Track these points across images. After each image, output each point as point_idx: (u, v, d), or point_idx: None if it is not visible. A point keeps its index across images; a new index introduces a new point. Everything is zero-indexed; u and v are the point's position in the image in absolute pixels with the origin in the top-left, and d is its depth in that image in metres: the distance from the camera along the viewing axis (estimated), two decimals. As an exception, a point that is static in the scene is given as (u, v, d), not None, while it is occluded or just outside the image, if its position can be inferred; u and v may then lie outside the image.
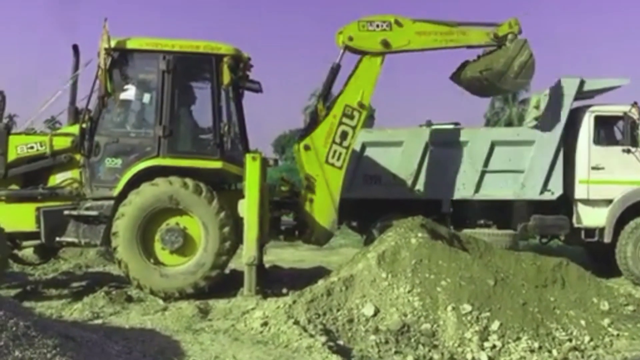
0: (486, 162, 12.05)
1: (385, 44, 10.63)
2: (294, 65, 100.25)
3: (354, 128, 10.58)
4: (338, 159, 10.50)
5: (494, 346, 7.14)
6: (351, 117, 10.56)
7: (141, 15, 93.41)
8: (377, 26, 10.60)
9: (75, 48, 10.41)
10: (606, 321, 8.06)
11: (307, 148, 10.54)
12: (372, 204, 12.19)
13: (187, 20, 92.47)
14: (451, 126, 13.34)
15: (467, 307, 7.50)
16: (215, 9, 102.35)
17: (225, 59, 9.74)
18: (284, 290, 9.57)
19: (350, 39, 10.62)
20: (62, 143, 9.98)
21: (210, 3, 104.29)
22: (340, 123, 10.54)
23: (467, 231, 11.21)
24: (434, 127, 12.90)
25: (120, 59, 9.81)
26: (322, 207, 10.42)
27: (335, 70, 10.89)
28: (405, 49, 10.82)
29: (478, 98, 13.40)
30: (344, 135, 10.54)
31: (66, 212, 9.69)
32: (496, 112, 46.67)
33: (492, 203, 12.23)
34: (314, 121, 11.00)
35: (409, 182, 12.26)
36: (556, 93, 12.14)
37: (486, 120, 44.68)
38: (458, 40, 10.95)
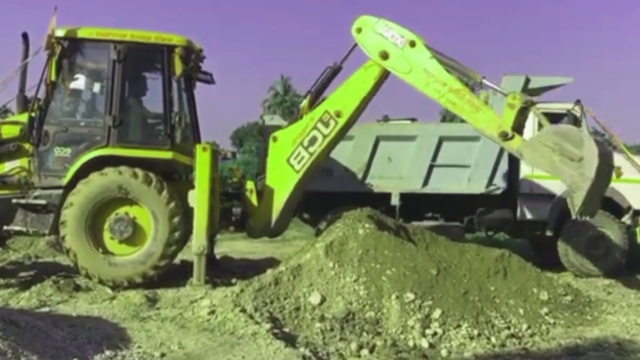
0: (434, 157, 12.29)
1: (384, 56, 9.44)
2: (253, 58, 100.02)
3: (325, 136, 9.94)
4: (299, 162, 10.04)
5: (435, 333, 7.37)
6: (326, 125, 9.92)
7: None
8: (392, 36, 9.37)
9: (25, 36, 10.29)
10: (544, 310, 8.37)
11: (274, 140, 10.30)
12: (324, 196, 12.32)
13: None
14: (408, 122, 13.57)
15: (410, 296, 7.71)
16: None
17: (176, 50, 9.78)
18: (234, 280, 9.61)
19: (359, 30, 9.61)
20: (10, 131, 9.87)
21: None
22: (314, 127, 9.96)
23: (415, 223, 11.43)
24: (390, 122, 13.09)
25: (71, 48, 9.75)
26: (266, 202, 10.27)
27: (334, 71, 10.25)
28: (400, 75, 9.45)
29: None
30: (313, 140, 9.98)
31: (14, 201, 9.61)
32: (452, 108, 47.05)
33: (440, 196, 12.46)
34: (296, 117, 10.71)
35: (360, 175, 12.44)
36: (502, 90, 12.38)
37: (442, 116, 45.19)
38: (461, 111, 9.06)
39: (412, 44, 9.24)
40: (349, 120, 10.01)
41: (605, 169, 8.14)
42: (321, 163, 10.52)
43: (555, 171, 7.81)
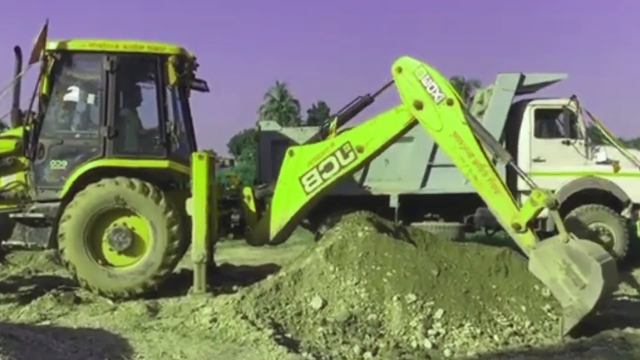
0: (432, 157, 12.28)
1: (418, 105, 8.99)
2: (250, 66, 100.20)
3: (341, 167, 9.62)
4: (311, 184, 9.76)
5: (438, 333, 7.34)
6: (345, 156, 9.57)
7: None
8: (431, 87, 8.90)
9: (18, 50, 10.28)
10: (547, 307, 8.29)
11: (291, 154, 10.02)
12: (323, 200, 12.24)
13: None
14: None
15: (412, 297, 7.69)
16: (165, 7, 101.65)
17: (170, 59, 9.79)
18: (234, 288, 9.59)
19: (399, 70, 9.14)
20: (6, 146, 9.86)
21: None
22: (333, 154, 9.62)
23: (415, 224, 11.42)
24: None
25: (63, 61, 9.75)
26: (269, 215, 10.16)
27: (365, 102, 9.96)
28: (429, 130, 9.08)
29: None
30: (329, 167, 9.64)
31: (12, 215, 9.60)
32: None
33: (439, 197, 12.46)
34: (318, 135, 10.32)
35: (358, 178, 12.42)
36: (498, 88, 12.45)
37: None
38: (480, 187, 8.65)
39: (450, 103, 8.81)
40: (370, 157, 9.79)
41: (612, 283, 8.05)
42: (332, 188, 10.18)
43: (556, 289, 7.65)
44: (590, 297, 7.37)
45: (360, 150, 9.56)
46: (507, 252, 9.05)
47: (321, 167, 9.70)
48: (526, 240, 8.25)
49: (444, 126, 8.84)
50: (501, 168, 12.07)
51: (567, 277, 7.56)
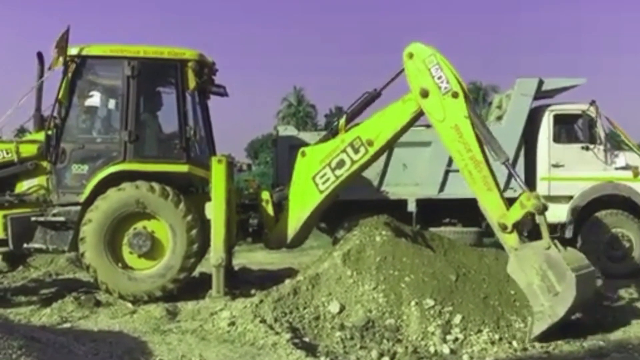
0: (450, 162, 12.21)
1: (424, 93, 8.99)
2: (266, 70, 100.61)
3: (353, 162, 9.66)
4: (324, 182, 9.80)
5: (456, 339, 7.36)
6: (356, 151, 9.62)
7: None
8: (439, 77, 8.88)
9: (40, 56, 10.44)
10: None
11: (303, 154, 10.10)
12: (340, 205, 12.27)
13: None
14: (422, 128, 13.52)
15: (430, 302, 7.70)
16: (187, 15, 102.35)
17: (189, 64, 9.85)
18: (253, 291, 9.63)
19: (410, 56, 9.11)
20: (28, 150, 9.98)
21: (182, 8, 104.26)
22: (344, 151, 9.68)
23: (433, 229, 11.39)
24: None
25: (84, 66, 9.89)
26: (285, 216, 10.20)
27: (372, 97, 10.01)
28: (431, 119, 9.13)
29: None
30: (340, 163, 9.69)
31: (33, 219, 9.71)
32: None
33: (457, 201, 12.38)
34: (328, 134, 10.45)
35: (375, 183, 12.43)
36: (516, 93, 12.42)
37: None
38: (473, 183, 8.70)
39: (455, 95, 8.78)
40: (381, 149, 9.84)
41: (586, 294, 7.98)
42: (347, 185, 10.24)
43: (530, 293, 7.74)
44: (562, 305, 7.47)
45: (370, 143, 9.61)
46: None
47: (333, 165, 9.76)
48: (510, 240, 8.30)
49: (446, 117, 8.86)
50: (520, 170, 12.21)
51: (542, 283, 7.65)
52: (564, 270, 7.48)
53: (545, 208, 8.13)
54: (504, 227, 8.33)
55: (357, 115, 10.16)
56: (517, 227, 8.34)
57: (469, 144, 8.67)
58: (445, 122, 8.86)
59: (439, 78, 8.88)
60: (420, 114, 9.34)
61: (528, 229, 12.47)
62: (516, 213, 8.27)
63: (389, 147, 10.09)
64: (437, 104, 8.91)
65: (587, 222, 12.16)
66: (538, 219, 8.04)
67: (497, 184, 8.66)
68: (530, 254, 7.89)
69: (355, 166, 9.75)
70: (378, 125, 9.66)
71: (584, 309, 8.30)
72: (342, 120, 10.12)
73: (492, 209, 8.51)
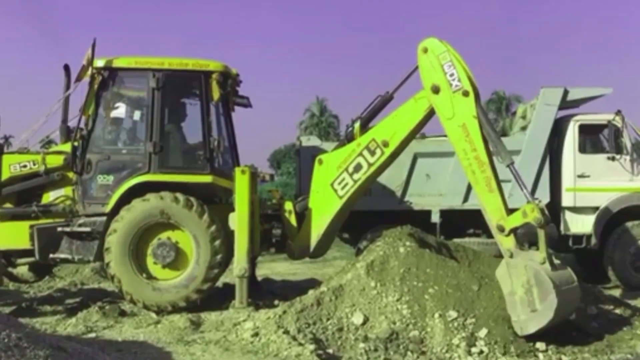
0: (474, 172, 12.15)
1: (435, 90, 8.93)
2: (289, 81, 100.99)
3: (370, 164, 9.69)
4: (343, 187, 9.84)
5: (481, 352, 7.28)
6: (372, 153, 9.64)
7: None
8: (451, 75, 8.80)
9: (67, 68, 10.60)
10: (593, 325, 8.21)
11: (320, 162, 10.17)
12: (363, 215, 12.26)
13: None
14: (445, 138, 13.42)
15: (453, 314, 7.65)
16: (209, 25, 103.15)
17: (213, 76, 9.93)
18: (276, 302, 9.65)
19: (425, 50, 9.05)
20: (54, 161, 10.13)
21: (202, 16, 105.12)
22: (360, 154, 9.72)
23: (456, 240, 11.32)
24: (428, 139, 12.98)
25: (110, 78, 10.00)
26: (307, 225, 10.22)
27: (385, 100, 10.03)
28: (440, 116, 9.02)
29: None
30: (358, 167, 9.73)
31: (59, 229, 9.82)
32: (490, 123, 46.84)
33: (481, 212, 12.30)
34: (344, 140, 10.50)
35: (399, 193, 12.39)
36: (541, 103, 12.32)
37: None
38: (476, 183, 8.65)
39: (465, 94, 8.70)
40: (396, 150, 9.81)
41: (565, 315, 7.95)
42: (366, 189, 10.32)
43: (510, 301, 7.70)
44: (536, 323, 7.43)
45: (386, 144, 9.62)
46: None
47: (350, 169, 9.80)
48: (506, 243, 8.22)
49: (455, 115, 8.79)
50: (545, 181, 12.10)
51: (524, 296, 7.58)
52: (548, 292, 7.39)
53: (545, 223, 7.99)
54: (501, 230, 8.26)
55: (371, 119, 10.19)
56: (515, 231, 8.25)
57: (475, 144, 8.61)
58: (453, 120, 8.80)
59: (451, 75, 8.83)
60: (433, 111, 9.28)
61: (553, 240, 12.45)
62: (516, 220, 8.17)
63: (405, 146, 10.07)
64: (447, 101, 8.86)
65: (613, 234, 12.00)
66: (538, 232, 7.93)
67: (500, 187, 8.60)
68: (522, 265, 7.77)
69: (373, 169, 9.77)
70: (392, 126, 9.67)
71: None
72: (357, 126, 10.12)
73: (492, 210, 8.46)
